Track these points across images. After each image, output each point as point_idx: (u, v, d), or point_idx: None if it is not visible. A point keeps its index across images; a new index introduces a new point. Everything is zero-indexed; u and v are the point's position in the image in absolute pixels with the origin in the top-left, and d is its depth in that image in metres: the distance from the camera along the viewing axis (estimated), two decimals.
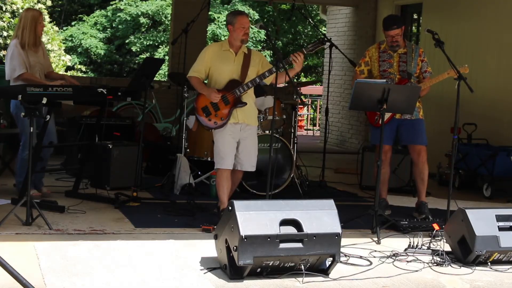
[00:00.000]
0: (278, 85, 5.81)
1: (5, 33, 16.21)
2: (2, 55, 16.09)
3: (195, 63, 6.03)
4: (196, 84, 5.99)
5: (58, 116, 7.18)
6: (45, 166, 6.66)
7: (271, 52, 22.82)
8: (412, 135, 6.62)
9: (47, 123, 5.92)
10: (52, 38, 17.15)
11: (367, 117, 6.89)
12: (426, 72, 6.65)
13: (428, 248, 5.18)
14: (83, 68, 21.39)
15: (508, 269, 4.90)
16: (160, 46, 22.05)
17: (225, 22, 6.40)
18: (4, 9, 16.29)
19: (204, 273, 4.44)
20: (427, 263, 4.92)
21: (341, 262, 4.64)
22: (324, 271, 4.50)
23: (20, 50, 6.28)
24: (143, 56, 21.69)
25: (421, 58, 6.64)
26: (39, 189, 6.62)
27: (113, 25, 22.86)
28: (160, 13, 22.30)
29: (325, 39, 7.15)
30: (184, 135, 7.42)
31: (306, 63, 24.21)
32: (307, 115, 19.22)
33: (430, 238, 5.32)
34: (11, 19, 16.29)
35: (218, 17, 21.64)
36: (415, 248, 5.16)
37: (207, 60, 5.98)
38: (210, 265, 4.56)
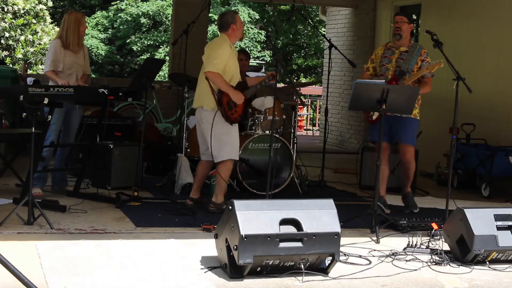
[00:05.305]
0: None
1: (6, 34, 16.22)
2: (3, 55, 16.11)
3: (216, 59, 6.11)
4: (222, 83, 6.14)
5: None
6: (46, 166, 6.68)
7: (271, 52, 22.86)
8: (399, 133, 6.62)
9: (48, 123, 5.95)
10: (53, 38, 17.19)
11: (363, 113, 6.95)
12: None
13: (427, 247, 5.20)
14: None
15: (506, 268, 4.92)
16: (160, 46, 22.07)
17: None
18: (6, 10, 16.30)
19: (205, 272, 4.46)
20: (426, 262, 4.94)
21: (340, 261, 4.65)
22: (324, 270, 4.53)
23: (58, 49, 6.55)
24: (144, 56, 21.72)
25: (421, 58, 6.63)
26: (62, 188, 6.84)
27: (114, 26, 22.88)
28: (161, 13, 22.33)
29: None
30: (184, 135, 7.45)
31: (306, 63, 24.23)
32: (307, 115, 19.23)
33: (429, 238, 5.33)
34: (13, 20, 16.30)
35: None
36: (414, 247, 5.18)
37: (226, 58, 6.17)
38: (211, 264, 4.58)
